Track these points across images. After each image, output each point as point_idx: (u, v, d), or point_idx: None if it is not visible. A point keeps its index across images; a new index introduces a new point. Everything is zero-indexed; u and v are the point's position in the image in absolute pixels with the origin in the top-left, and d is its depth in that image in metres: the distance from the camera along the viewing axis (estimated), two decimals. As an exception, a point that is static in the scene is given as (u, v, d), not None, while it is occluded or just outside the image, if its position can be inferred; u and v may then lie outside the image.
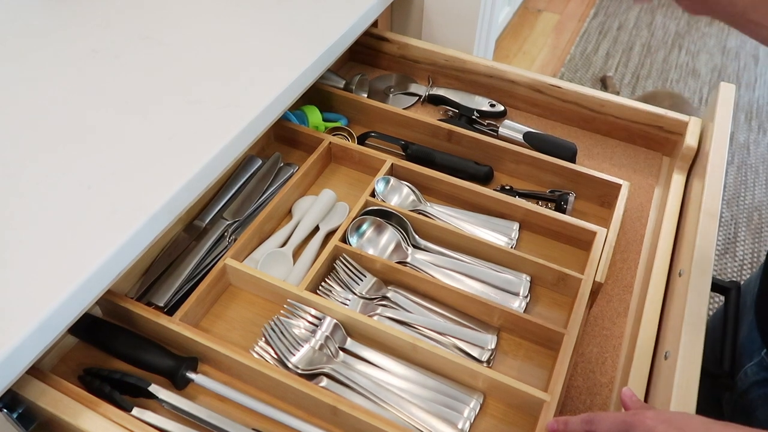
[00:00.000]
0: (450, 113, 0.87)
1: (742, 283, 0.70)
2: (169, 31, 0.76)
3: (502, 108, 0.87)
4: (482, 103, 0.87)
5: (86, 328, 0.58)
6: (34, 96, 0.66)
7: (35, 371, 0.51)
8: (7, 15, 0.78)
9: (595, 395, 0.60)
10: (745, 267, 1.66)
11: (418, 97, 0.90)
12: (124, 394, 0.54)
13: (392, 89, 0.91)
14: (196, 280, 0.65)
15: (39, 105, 0.65)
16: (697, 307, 0.56)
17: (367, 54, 0.96)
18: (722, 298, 0.73)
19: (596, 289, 0.64)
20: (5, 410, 0.51)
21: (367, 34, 0.92)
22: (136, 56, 0.72)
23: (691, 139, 0.77)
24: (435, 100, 0.89)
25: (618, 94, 2.22)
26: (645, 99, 2.00)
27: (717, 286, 0.68)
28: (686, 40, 2.51)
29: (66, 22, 0.77)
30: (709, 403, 0.69)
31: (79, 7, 0.80)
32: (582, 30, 2.53)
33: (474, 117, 0.85)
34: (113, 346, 0.58)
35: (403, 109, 0.88)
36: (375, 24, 0.93)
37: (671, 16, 2.63)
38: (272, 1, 0.82)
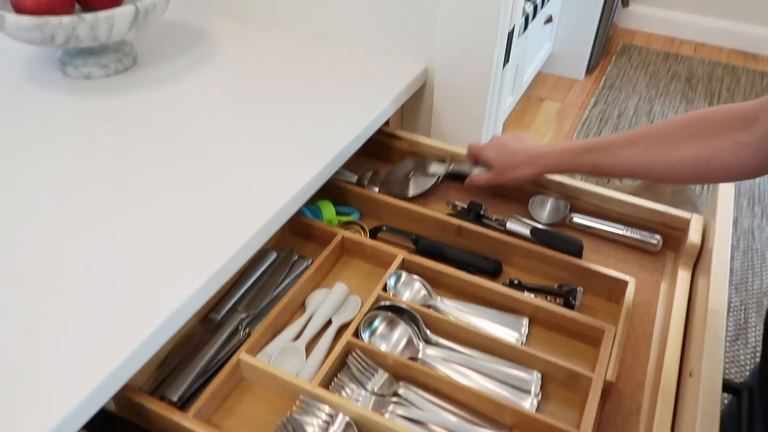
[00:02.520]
0: (459, 208, 0.90)
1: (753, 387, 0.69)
2: (194, 133, 0.81)
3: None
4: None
5: (100, 424, 0.58)
6: (62, 195, 0.70)
7: (48, 470, 0.51)
8: (45, 114, 0.84)
9: (610, 500, 0.59)
10: (757, 353, 1.63)
11: (437, 177, 0.93)
12: (135, 494, 0.54)
13: (412, 173, 0.94)
14: (210, 373, 0.66)
15: (68, 204, 0.68)
16: (709, 410, 0.56)
17: (378, 150, 1.00)
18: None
19: (607, 388, 0.64)
20: None
21: (379, 131, 0.97)
22: (162, 157, 0.76)
23: (694, 236, 0.80)
24: (454, 177, 0.93)
25: (621, 180, 2.27)
26: (647, 185, 2.04)
27: (728, 388, 0.68)
28: (685, 128, 2.59)
29: (100, 122, 0.82)
30: None
31: (113, 108, 0.86)
32: (583, 117, 2.63)
33: (482, 213, 0.88)
34: (126, 444, 0.58)
35: (425, 190, 0.91)
36: (387, 122, 0.98)
37: (669, 105, 2.73)
38: (293, 105, 0.88)
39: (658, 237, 0.84)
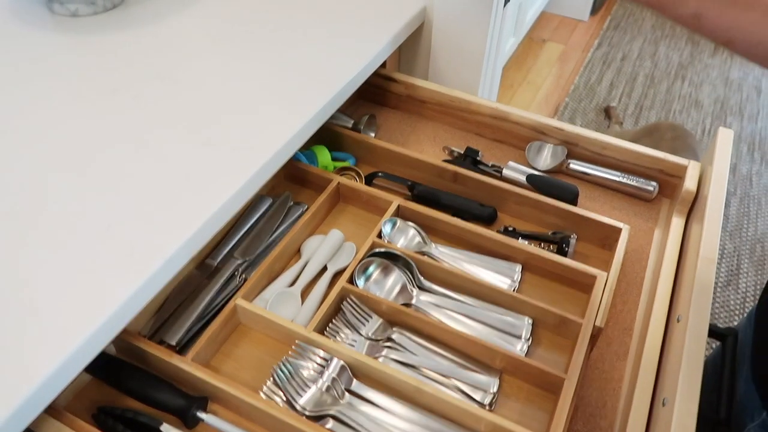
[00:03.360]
0: (455, 153, 0.90)
1: (738, 330, 0.71)
2: (185, 73, 0.79)
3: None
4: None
5: (101, 366, 0.60)
6: (53, 134, 0.69)
7: (51, 410, 0.53)
8: (32, 53, 0.82)
9: (595, 439, 0.61)
10: (747, 299, 1.66)
11: None
12: (136, 432, 0.56)
13: None
14: (207, 318, 0.67)
15: (58, 144, 0.67)
16: (694, 355, 0.58)
17: (375, 93, 0.98)
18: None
19: (596, 334, 0.65)
20: (22, 448, 0.52)
21: (376, 74, 0.95)
22: (154, 97, 0.75)
23: (690, 183, 0.79)
24: None
25: (621, 124, 2.25)
26: (648, 131, 2.03)
27: (714, 333, 0.70)
28: (689, 72, 2.54)
29: (89, 61, 0.80)
30: None
31: (102, 46, 0.83)
32: (586, 60, 2.57)
33: (478, 159, 0.87)
34: (126, 385, 0.60)
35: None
36: (383, 64, 0.96)
37: (674, 48, 2.67)
38: (285, 45, 0.85)
39: (654, 184, 0.84)
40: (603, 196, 0.86)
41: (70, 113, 0.72)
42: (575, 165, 0.87)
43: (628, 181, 0.85)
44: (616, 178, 0.86)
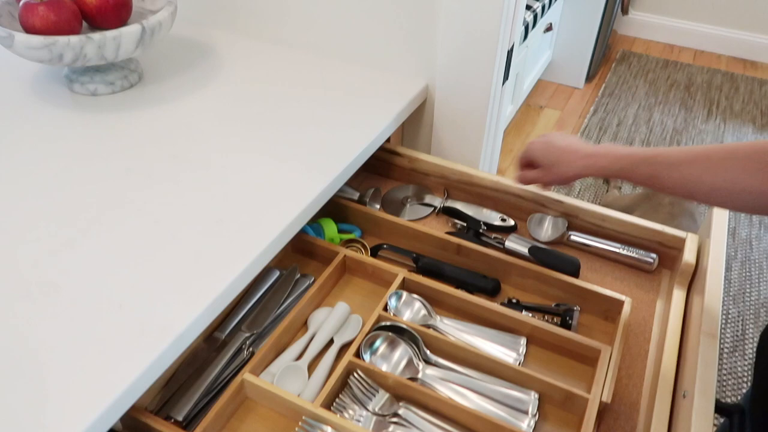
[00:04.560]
0: (459, 226, 0.92)
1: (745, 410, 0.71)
2: (197, 152, 0.82)
3: (512, 223, 0.92)
4: (493, 218, 0.92)
5: (108, 444, 0.60)
6: (69, 212, 0.71)
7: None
8: (51, 130, 0.85)
9: None
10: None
11: (433, 208, 0.95)
12: None
13: (409, 199, 0.96)
14: (214, 392, 0.67)
15: (74, 222, 0.70)
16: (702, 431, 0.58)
17: (379, 166, 1.02)
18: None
19: (603, 409, 0.65)
20: None
21: (381, 148, 0.99)
22: (167, 175, 0.77)
23: (689, 256, 0.81)
24: (449, 212, 0.94)
25: (620, 189, 2.29)
26: (646, 195, 2.06)
27: (721, 409, 0.69)
28: (684, 136, 2.61)
29: (104, 139, 0.84)
30: None
31: (118, 123, 0.87)
32: (583, 126, 2.64)
33: (481, 231, 0.89)
34: (133, 464, 0.60)
35: (418, 219, 0.93)
36: (388, 139, 1.00)
37: (668, 113, 2.75)
38: (295, 124, 0.89)
39: (654, 256, 0.86)
40: (604, 267, 0.87)
41: (85, 192, 0.74)
42: (576, 237, 0.89)
43: (629, 253, 0.87)
44: (617, 250, 0.87)
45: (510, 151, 2.45)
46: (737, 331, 1.75)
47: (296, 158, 0.82)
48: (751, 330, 1.75)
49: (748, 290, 1.88)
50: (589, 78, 2.94)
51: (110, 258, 0.66)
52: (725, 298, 1.86)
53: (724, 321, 1.79)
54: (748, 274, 1.93)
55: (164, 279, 0.64)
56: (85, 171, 0.78)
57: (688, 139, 2.59)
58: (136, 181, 0.76)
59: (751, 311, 1.81)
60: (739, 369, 1.64)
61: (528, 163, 0.83)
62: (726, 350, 1.69)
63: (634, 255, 0.86)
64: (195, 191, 0.75)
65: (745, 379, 1.62)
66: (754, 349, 1.68)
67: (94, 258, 0.65)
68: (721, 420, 0.78)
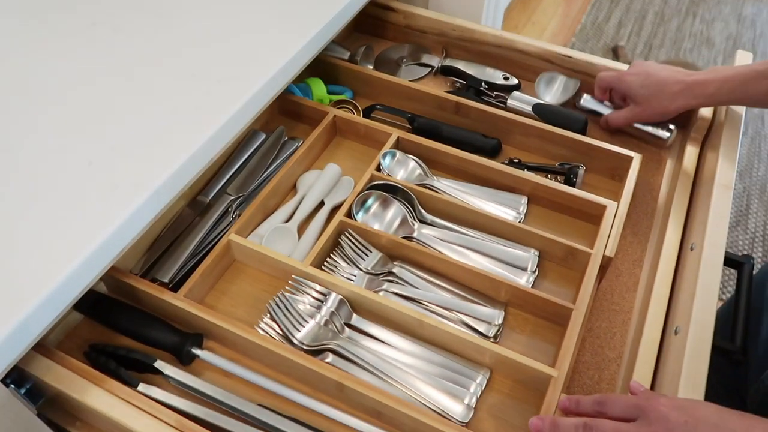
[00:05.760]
0: (458, 85, 0.85)
1: (754, 258, 0.68)
2: (168, 3, 0.74)
3: (516, 81, 0.85)
4: (496, 76, 0.85)
5: (91, 304, 0.58)
6: (32, 70, 0.65)
7: (41, 348, 0.51)
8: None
9: (603, 370, 0.59)
10: (756, 240, 1.64)
11: (430, 69, 0.88)
12: (129, 369, 0.54)
13: (405, 59, 0.89)
14: (200, 255, 0.65)
15: (37, 79, 0.64)
16: (709, 282, 0.55)
17: (372, 24, 0.93)
18: (734, 272, 0.72)
19: (606, 264, 0.63)
20: (13, 386, 0.51)
21: (373, 3, 0.90)
22: (136, 28, 0.70)
23: (705, 110, 0.75)
24: (448, 72, 0.87)
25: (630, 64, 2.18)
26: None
27: (729, 261, 0.67)
28: (701, 8, 2.44)
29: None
30: (733, 400, 0.68)
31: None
32: (594, -2, 2.47)
33: (482, 89, 0.83)
34: (118, 323, 0.58)
35: (415, 80, 0.86)
36: (380, -7, 0.91)
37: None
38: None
39: (670, 130, 0.77)
40: (615, 138, 0.81)
41: (49, 48, 0.67)
42: (587, 102, 0.82)
43: (642, 126, 0.79)
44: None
45: (515, 27, 2.31)
46: (741, 206, 1.72)
47: (277, 8, 0.74)
48: (755, 205, 1.72)
49: (756, 165, 1.83)
50: (603, -55, 2.71)
51: (78, 114, 0.60)
52: (732, 175, 1.82)
53: (729, 196, 1.76)
54: (757, 149, 1.88)
55: (137, 136, 0.58)
56: (45, 28, 0.71)
57: (705, 10, 2.43)
58: (102, 36, 0.69)
59: (757, 186, 1.77)
60: (740, 243, 1.63)
61: (620, 98, 0.75)
62: (729, 225, 1.67)
63: (649, 130, 0.78)
64: (168, 42, 0.68)
65: (746, 253, 1.62)
66: (757, 224, 1.67)
67: (59, 115, 0.60)
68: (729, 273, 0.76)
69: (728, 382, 0.69)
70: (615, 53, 2.21)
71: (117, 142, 0.58)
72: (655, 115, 0.72)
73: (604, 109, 0.80)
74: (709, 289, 0.55)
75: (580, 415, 0.46)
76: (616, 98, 0.78)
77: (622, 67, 0.81)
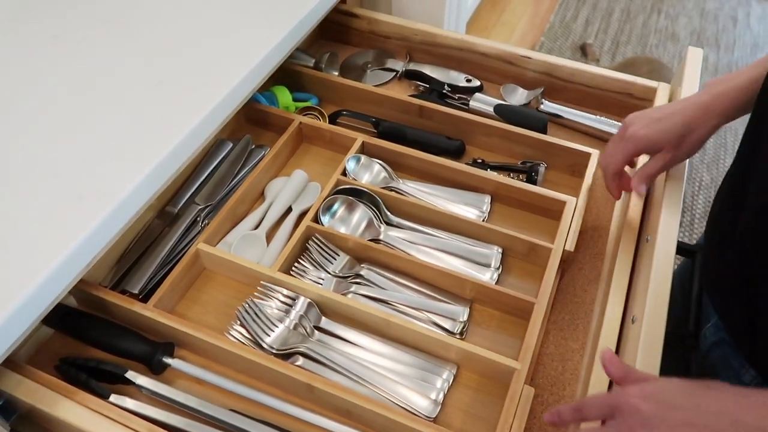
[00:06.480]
0: (422, 88, 0.87)
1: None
2: (131, 13, 0.75)
3: (478, 83, 0.87)
4: (459, 79, 0.87)
5: (60, 318, 0.58)
6: (-5, 87, 0.65)
7: (11, 363, 0.52)
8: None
9: (566, 361, 0.61)
10: (724, 229, 1.68)
11: (395, 73, 0.89)
12: (101, 381, 0.54)
13: (370, 65, 0.91)
14: (170, 265, 0.65)
15: (0, 91, 0.64)
16: (662, 272, 0.57)
17: (336, 31, 0.95)
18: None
19: (567, 258, 0.65)
20: (-17, 403, 0.51)
21: (336, 10, 0.91)
22: (99, 40, 0.70)
23: (661, 96, 0.78)
24: (412, 76, 0.89)
25: (598, 61, 2.22)
26: (624, 66, 2.00)
27: (683, 250, 0.69)
28: (665, 4, 2.50)
29: (26, 8, 0.76)
30: (680, 366, 0.71)
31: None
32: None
33: (445, 91, 0.84)
34: (88, 335, 0.58)
35: (380, 84, 0.88)
36: (344, 0, 0.92)
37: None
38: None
39: None
40: (574, 137, 0.82)
41: (12, 62, 0.68)
42: (547, 105, 0.84)
43: (601, 126, 0.81)
44: (590, 123, 0.82)
45: (485, 28, 2.33)
46: (709, 197, 1.76)
47: (240, 17, 0.75)
48: (722, 195, 1.77)
49: (722, 157, 1.88)
50: (568, -55, 2.75)
51: (41, 127, 0.60)
52: (699, 166, 1.86)
53: (697, 188, 1.80)
54: (722, 141, 1.93)
55: (102, 147, 0.59)
56: (7, 38, 0.71)
57: (669, 6, 2.48)
58: (66, 48, 0.69)
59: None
60: (709, 232, 1.67)
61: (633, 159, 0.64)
62: (697, 216, 1.71)
63: (607, 129, 0.81)
64: (131, 56, 0.69)
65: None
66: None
67: (24, 127, 0.60)
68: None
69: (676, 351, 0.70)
70: (583, 51, 2.25)
71: (82, 153, 0.58)
72: (692, 149, 0.62)
73: (565, 114, 0.82)
74: (662, 279, 0.57)
75: (565, 425, 0.47)
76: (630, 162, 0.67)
77: (590, 65, 0.83)
